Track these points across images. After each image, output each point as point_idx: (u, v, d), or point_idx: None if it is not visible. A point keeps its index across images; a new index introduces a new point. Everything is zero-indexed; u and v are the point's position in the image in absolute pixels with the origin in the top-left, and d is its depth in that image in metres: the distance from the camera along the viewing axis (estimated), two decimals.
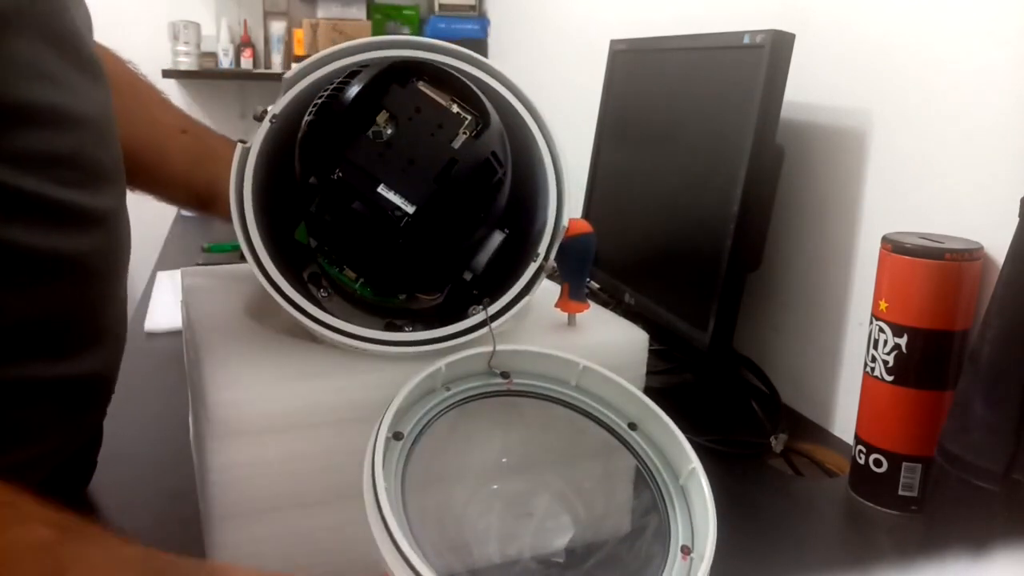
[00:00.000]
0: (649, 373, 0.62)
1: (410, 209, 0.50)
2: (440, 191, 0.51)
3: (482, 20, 2.54)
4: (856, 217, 0.86)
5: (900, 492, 0.71)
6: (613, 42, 1.18)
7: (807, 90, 0.91)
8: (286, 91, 0.55)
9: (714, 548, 0.47)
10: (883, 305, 0.70)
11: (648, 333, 0.62)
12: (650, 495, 0.52)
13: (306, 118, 0.53)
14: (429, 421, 0.51)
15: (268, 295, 0.53)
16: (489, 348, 0.54)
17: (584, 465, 0.59)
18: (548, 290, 0.60)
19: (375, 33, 2.64)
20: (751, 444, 0.83)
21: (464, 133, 0.52)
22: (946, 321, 0.67)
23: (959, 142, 0.74)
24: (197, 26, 2.62)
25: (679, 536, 0.49)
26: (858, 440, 0.73)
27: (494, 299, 0.56)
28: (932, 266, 0.67)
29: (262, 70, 2.72)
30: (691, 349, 0.88)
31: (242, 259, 0.55)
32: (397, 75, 0.52)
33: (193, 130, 0.85)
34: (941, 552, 0.58)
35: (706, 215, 0.88)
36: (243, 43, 2.69)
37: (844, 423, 0.88)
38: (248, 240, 0.53)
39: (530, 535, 0.56)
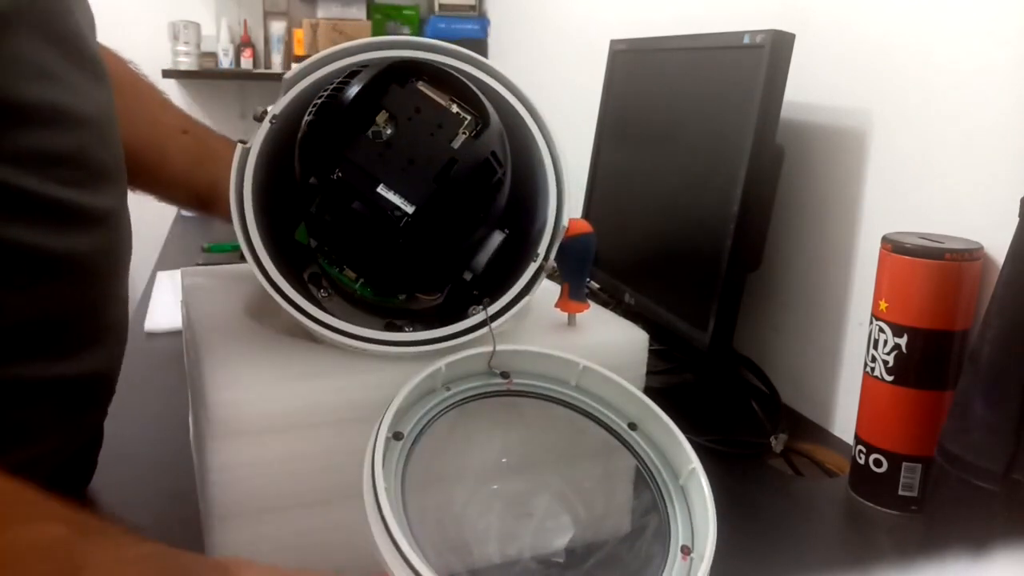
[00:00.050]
0: (649, 373, 0.62)
1: (410, 209, 0.50)
2: (440, 191, 0.51)
3: (482, 20, 2.54)
4: (856, 217, 0.86)
5: (900, 492, 0.71)
6: (613, 42, 1.18)
7: (807, 90, 0.91)
8: (286, 91, 0.55)
9: (714, 548, 0.47)
10: (883, 305, 0.70)
11: (648, 333, 0.62)
12: (650, 495, 0.52)
13: (306, 118, 0.53)
14: (429, 421, 0.51)
15: (268, 295, 0.53)
16: (489, 348, 0.54)
17: (584, 465, 0.59)
18: (548, 290, 0.60)
19: (375, 33, 2.64)
20: (751, 444, 0.83)
21: (464, 133, 0.52)
22: (946, 321, 0.67)
23: (959, 142, 0.74)
24: (197, 26, 2.62)
25: (679, 536, 0.49)
26: (858, 440, 0.73)
27: (494, 299, 0.56)
28: (932, 266, 0.67)
29: (262, 70, 2.73)
30: (691, 349, 0.88)
31: (242, 259, 0.55)
32: (397, 75, 0.52)
33: (194, 131, 0.85)
34: (941, 552, 0.58)
35: (706, 215, 0.88)
36: (243, 43, 2.69)
37: (844, 423, 0.88)
38: (248, 240, 0.53)
39: (530, 535, 0.56)
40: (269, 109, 0.55)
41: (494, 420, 0.55)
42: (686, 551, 0.48)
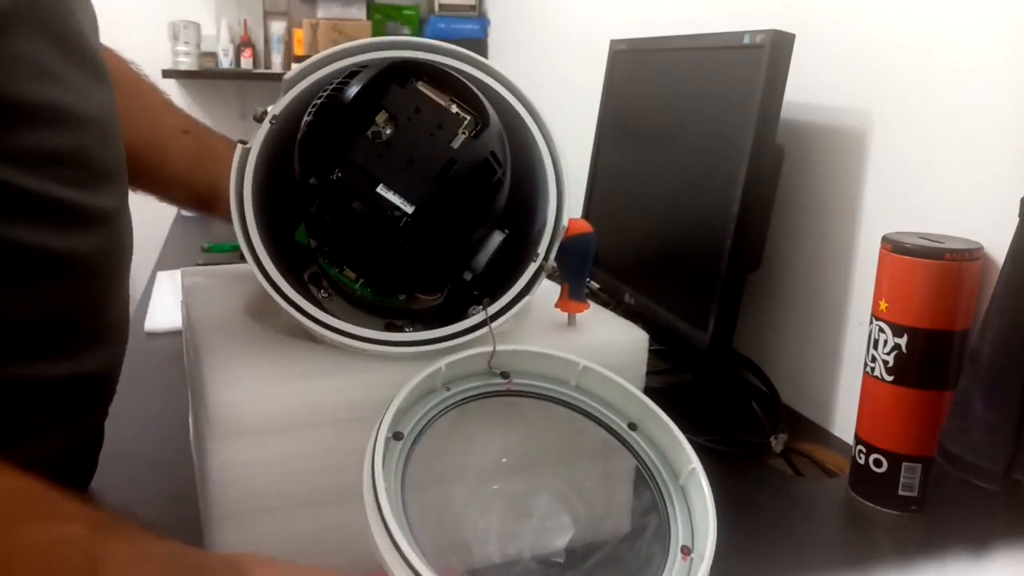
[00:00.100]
0: (649, 373, 0.62)
1: (409, 209, 0.50)
2: (439, 191, 0.51)
3: (482, 20, 2.54)
4: (856, 217, 0.86)
5: (900, 492, 0.71)
6: (613, 42, 1.18)
7: (807, 90, 0.91)
8: (286, 92, 0.55)
9: (714, 548, 0.47)
10: (883, 305, 0.70)
11: (648, 333, 0.62)
12: (650, 495, 0.52)
13: (306, 118, 0.53)
14: (429, 421, 0.51)
15: (268, 295, 0.53)
16: (489, 348, 0.54)
17: (584, 465, 0.59)
18: (548, 290, 0.60)
19: (375, 33, 2.64)
20: (751, 444, 0.83)
21: (463, 133, 0.52)
22: (946, 321, 0.67)
23: (959, 142, 0.74)
24: (197, 26, 2.62)
25: (679, 536, 0.49)
26: (858, 440, 0.73)
27: (494, 299, 0.56)
28: (932, 266, 0.67)
29: (262, 70, 2.72)
30: (691, 349, 0.88)
31: (242, 259, 0.55)
32: (396, 75, 0.52)
33: (195, 131, 0.85)
34: (941, 552, 0.58)
35: (706, 215, 0.88)
36: (243, 43, 2.69)
37: (844, 423, 0.88)
38: (248, 240, 0.53)
39: (530, 535, 0.56)
40: (269, 109, 0.55)
41: (494, 420, 0.55)
42: (686, 551, 0.48)
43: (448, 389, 0.53)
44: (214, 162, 0.82)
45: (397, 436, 0.48)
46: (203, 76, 2.64)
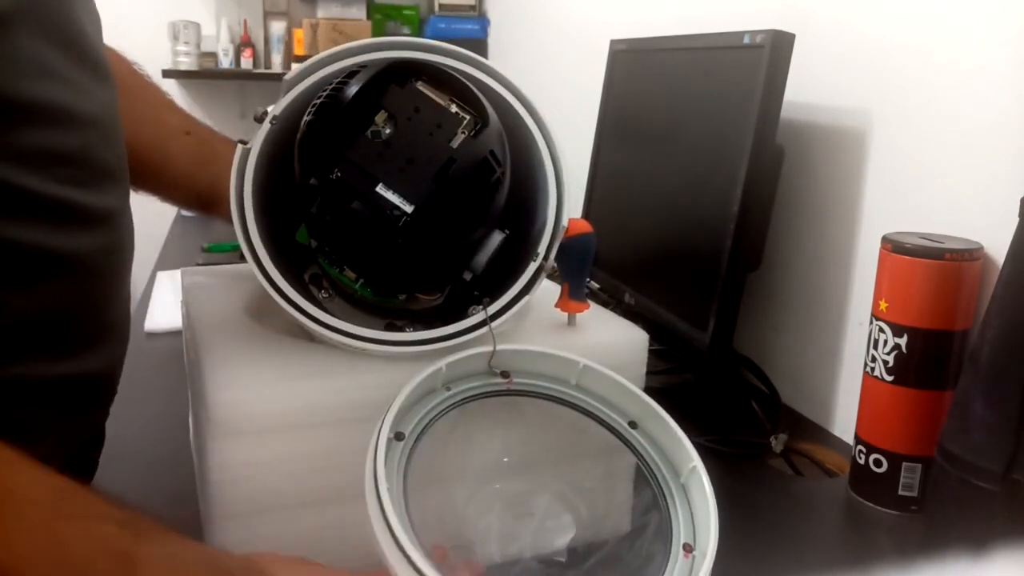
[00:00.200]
0: (649, 373, 0.62)
1: (409, 208, 0.50)
2: (438, 190, 0.51)
3: (482, 20, 2.54)
4: (856, 217, 0.86)
5: (900, 492, 0.71)
6: (613, 42, 1.18)
7: (807, 90, 0.91)
8: (286, 92, 0.55)
9: (716, 545, 0.47)
10: (883, 305, 0.70)
11: (648, 333, 0.62)
12: (651, 493, 0.52)
13: (305, 118, 0.53)
14: (430, 421, 0.51)
15: (268, 295, 0.53)
16: (489, 348, 0.54)
17: (585, 464, 0.59)
18: (548, 290, 0.60)
19: (375, 33, 2.64)
20: (751, 444, 0.83)
21: (463, 132, 0.52)
22: (946, 321, 0.67)
23: (959, 142, 0.74)
24: (197, 26, 2.62)
25: (680, 534, 0.49)
26: (858, 440, 0.73)
27: (494, 299, 0.56)
28: (932, 266, 0.67)
29: (262, 70, 2.72)
30: (691, 349, 0.88)
31: (242, 259, 0.55)
32: (396, 75, 0.52)
33: (196, 132, 0.85)
34: (941, 552, 0.58)
35: (706, 215, 0.88)
36: (243, 43, 2.69)
37: (844, 423, 0.88)
38: (248, 240, 0.53)
39: (531, 534, 0.56)
40: (269, 110, 0.55)
41: (494, 420, 0.55)
42: (688, 548, 0.48)
43: (448, 389, 0.53)
44: (216, 163, 0.82)
45: (399, 436, 0.48)
46: (203, 76, 2.64)
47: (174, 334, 1.04)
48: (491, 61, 0.58)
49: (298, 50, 2.62)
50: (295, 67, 0.56)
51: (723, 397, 0.96)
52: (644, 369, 0.62)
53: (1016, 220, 0.56)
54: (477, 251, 0.55)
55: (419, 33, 2.70)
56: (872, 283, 0.71)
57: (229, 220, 0.56)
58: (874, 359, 0.71)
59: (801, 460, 0.83)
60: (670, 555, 0.48)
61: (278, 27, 2.70)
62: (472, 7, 2.56)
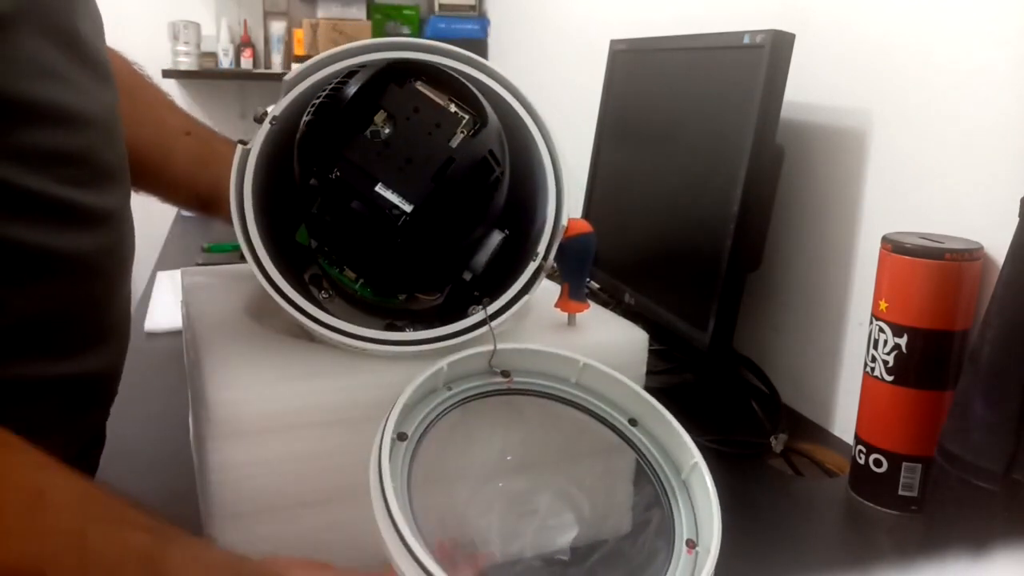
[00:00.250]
0: (649, 373, 0.62)
1: (408, 208, 0.50)
2: (438, 190, 0.51)
3: (482, 20, 2.54)
4: (856, 217, 0.86)
5: (900, 492, 0.71)
6: (613, 42, 1.18)
7: (807, 90, 0.91)
8: (286, 93, 0.55)
9: (720, 541, 0.47)
10: (883, 305, 0.70)
11: (648, 333, 0.62)
12: (652, 491, 0.52)
13: (304, 118, 0.53)
14: (432, 421, 0.51)
15: (268, 295, 0.53)
16: (490, 347, 0.54)
17: (586, 462, 0.59)
18: (548, 290, 0.60)
19: (375, 33, 2.64)
20: (751, 444, 0.83)
21: (462, 132, 0.52)
22: (946, 321, 0.67)
23: (959, 142, 0.74)
24: (197, 26, 2.62)
25: (683, 531, 0.49)
26: (858, 440, 0.73)
27: (494, 299, 0.56)
28: (932, 266, 0.67)
29: (262, 70, 2.72)
30: (691, 349, 0.88)
31: (242, 259, 0.55)
32: (395, 75, 0.52)
33: (197, 132, 0.85)
34: (941, 552, 0.58)
35: (706, 215, 0.88)
36: (243, 43, 2.69)
37: (844, 423, 0.88)
38: (248, 241, 0.53)
39: (533, 533, 0.56)
40: (269, 110, 0.55)
41: (495, 419, 0.55)
42: (691, 545, 0.48)
43: (450, 388, 0.53)
44: (216, 164, 0.82)
45: (401, 437, 0.48)
46: (203, 76, 2.64)
47: (174, 334, 1.04)
48: (491, 61, 0.58)
49: (298, 50, 2.62)
50: (295, 67, 0.56)
51: (723, 397, 0.96)
52: (644, 369, 0.62)
53: (1016, 220, 0.56)
54: (477, 251, 0.55)
55: (419, 33, 2.70)
56: (872, 283, 0.71)
57: (229, 220, 0.56)
58: (874, 359, 0.71)
59: (801, 460, 0.83)
60: (673, 552, 0.48)
61: (278, 27, 2.70)
62: (472, 7, 2.56)
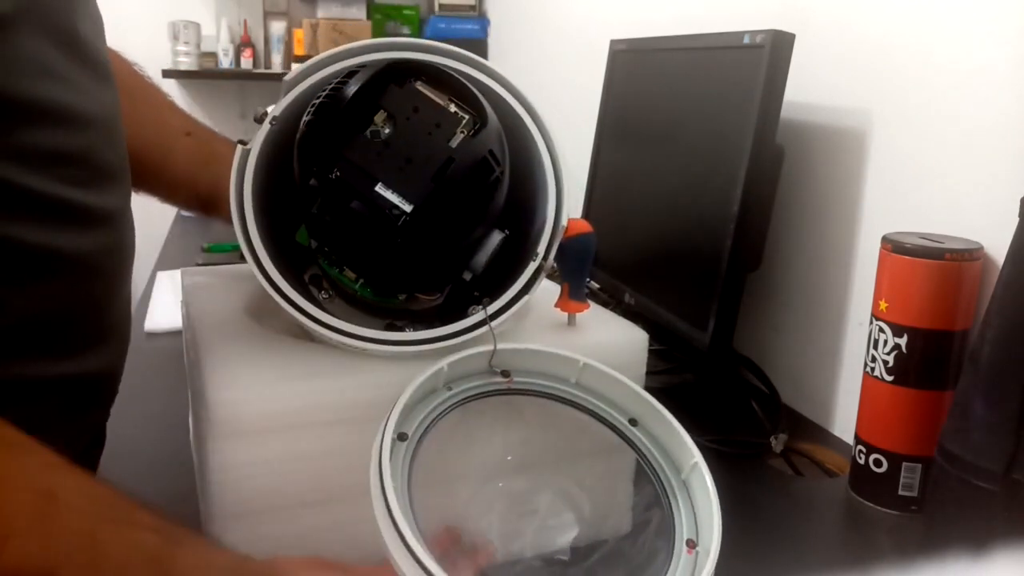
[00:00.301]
0: (649, 373, 0.62)
1: (408, 208, 0.50)
2: (438, 190, 0.51)
3: (482, 20, 2.54)
4: (856, 217, 0.86)
5: (900, 492, 0.71)
6: (613, 42, 1.18)
7: (807, 90, 0.91)
8: (286, 93, 0.55)
9: (720, 541, 0.47)
10: (883, 305, 0.70)
11: (648, 333, 0.62)
12: (653, 491, 0.52)
13: (304, 118, 0.53)
14: (432, 421, 0.51)
15: (268, 295, 0.53)
16: (490, 347, 0.54)
17: (586, 462, 0.59)
18: (548, 290, 0.60)
19: (375, 33, 2.64)
20: (751, 444, 0.83)
21: (461, 132, 0.52)
22: (946, 321, 0.67)
23: (959, 142, 0.74)
24: (197, 26, 2.62)
25: (683, 531, 0.49)
26: (858, 440, 0.73)
27: (494, 299, 0.56)
28: (932, 266, 0.67)
29: (262, 70, 2.72)
30: (691, 349, 0.88)
31: (242, 259, 0.55)
32: (395, 75, 0.52)
33: (197, 133, 0.85)
34: (941, 552, 0.58)
35: (706, 215, 0.88)
36: (243, 43, 2.69)
37: (844, 423, 0.88)
38: (248, 241, 0.53)
39: (533, 533, 0.56)
40: (269, 110, 0.55)
41: (495, 419, 0.55)
42: (691, 545, 0.48)
43: (450, 388, 0.53)
44: (216, 164, 0.82)
45: (401, 437, 0.48)
46: (203, 76, 2.64)
47: (174, 334, 1.04)
48: (491, 61, 0.58)
49: (298, 50, 2.62)
50: (295, 67, 0.56)
51: (723, 397, 0.96)
52: (644, 369, 0.62)
53: (1016, 220, 0.56)
54: (477, 251, 0.55)
55: (419, 33, 2.71)
56: (872, 283, 0.71)
57: (229, 221, 0.56)
58: (874, 359, 0.71)
59: (801, 460, 0.83)
60: (673, 552, 0.48)
61: (278, 27, 2.70)
62: (472, 7, 2.56)
